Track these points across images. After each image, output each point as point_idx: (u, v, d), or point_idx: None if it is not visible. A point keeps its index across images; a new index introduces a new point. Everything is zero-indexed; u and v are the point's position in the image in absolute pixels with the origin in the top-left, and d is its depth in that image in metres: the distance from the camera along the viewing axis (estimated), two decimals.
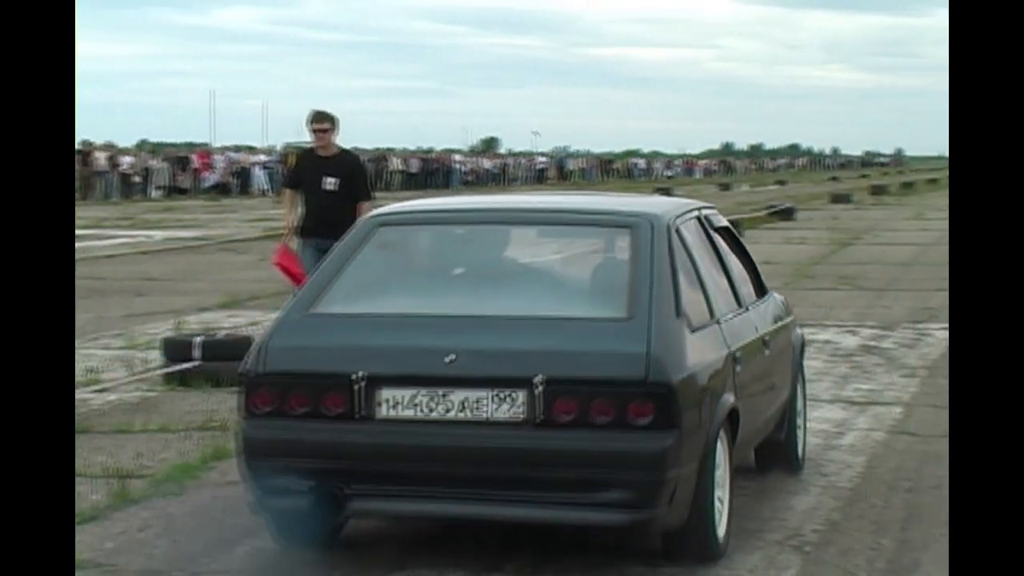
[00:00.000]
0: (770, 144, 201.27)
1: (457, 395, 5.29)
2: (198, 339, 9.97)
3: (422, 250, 6.23)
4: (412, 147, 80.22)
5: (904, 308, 14.59)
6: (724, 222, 6.88)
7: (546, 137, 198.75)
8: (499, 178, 72.34)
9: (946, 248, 21.83)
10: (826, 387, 9.86)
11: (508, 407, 5.26)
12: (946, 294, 15.85)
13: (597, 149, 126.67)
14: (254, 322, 12.60)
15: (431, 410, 5.31)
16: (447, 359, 5.31)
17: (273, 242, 10.73)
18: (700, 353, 5.54)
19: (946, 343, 12.11)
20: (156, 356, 10.30)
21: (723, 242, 6.65)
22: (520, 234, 6.26)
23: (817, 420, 8.70)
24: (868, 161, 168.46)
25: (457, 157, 71.69)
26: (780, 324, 7.07)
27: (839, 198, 44.84)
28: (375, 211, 6.44)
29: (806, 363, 7.97)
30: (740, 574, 5.61)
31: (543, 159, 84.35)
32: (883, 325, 13.24)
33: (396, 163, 63.96)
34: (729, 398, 5.70)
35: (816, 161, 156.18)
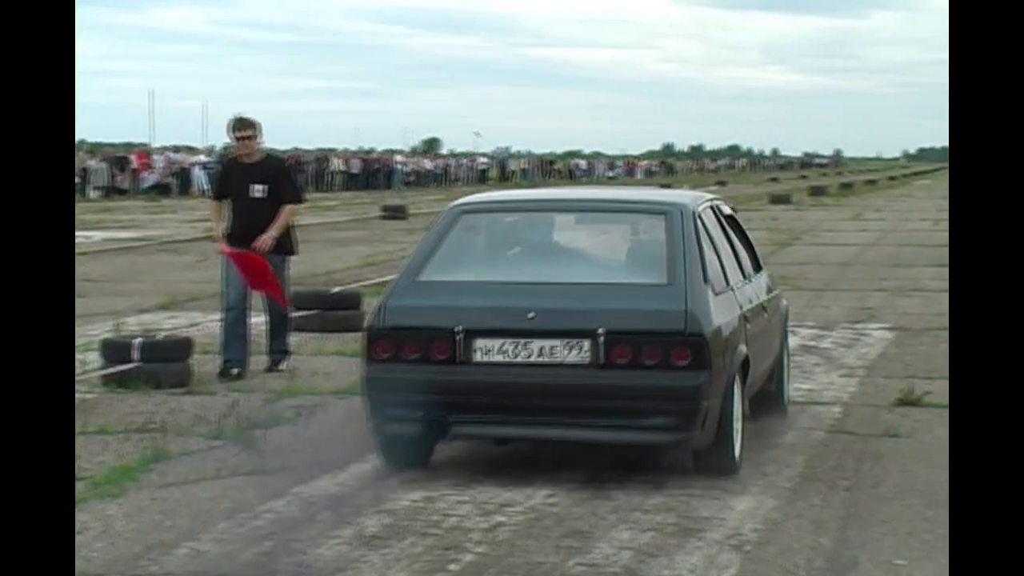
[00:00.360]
0: (710, 145, 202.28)
1: (536, 344, 6.80)
2: (137, 340, 9.90)
3: (499, 232, 7.74)
4: (353, 148, 79.95)
5: (843, 308, 14.69)
6: (729, 210, 8.29)
7: (488, 138, 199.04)
8: (441, 179, 72.27)
9: (883, 249, 22.02)
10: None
11: (577, 353, 6.76)
12: (883, 294, 16.00)
13: (538, 150, 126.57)
14: (194, 323, 12.52)
15: (516, 355, 6.81)
16: (529, 316, 6.82)
17: (214, 243, 10.65)
18: (722, 312, 7.02)
19: (884, 343, 12.21)
20: (95, 358, 10.21)
21: (729, 226, 8.10)
22: (576, 219, 7.88)
23: (757, 420, 8.74)
24: (807, 162, 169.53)
25: (399, 158, 71.57)
26: (773, 294, 8.65)
27: (779, 199, 45.13)
28: (458, 201, 7.85)
29: None
30: (681, 574, 5.63)
31: (484, 160, 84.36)
32: (822, 325, 13.33)
33: (337, 164, 63.76)
34: (743, 348, 7.20)
35: (756, 162, 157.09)
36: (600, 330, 6.74)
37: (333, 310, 12.79)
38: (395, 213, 34.89)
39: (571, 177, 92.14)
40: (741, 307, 7.43)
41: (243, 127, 10.24)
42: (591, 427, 6.85)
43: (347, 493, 6.93)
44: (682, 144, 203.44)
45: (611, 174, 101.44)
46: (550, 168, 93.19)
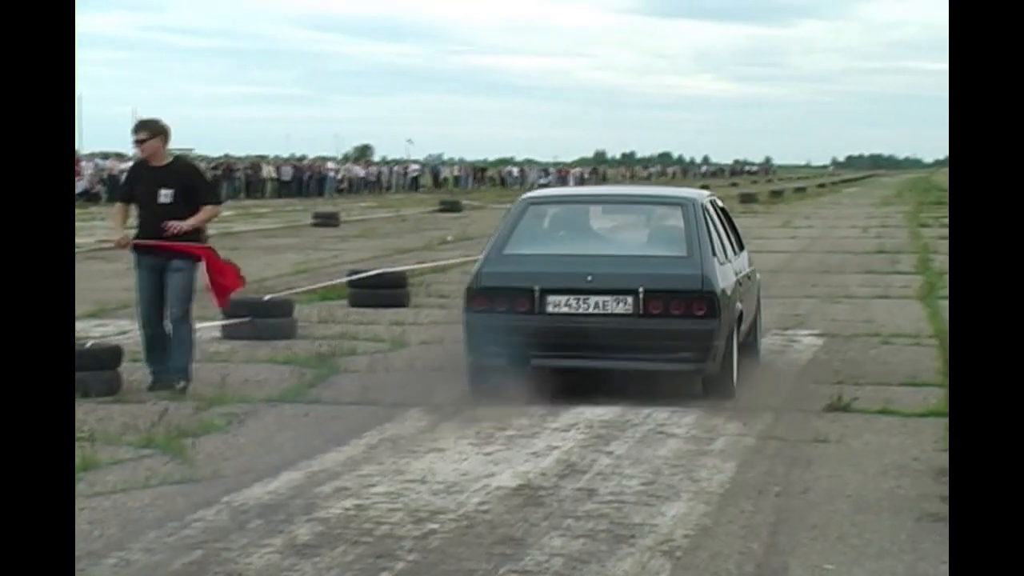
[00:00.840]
0: (642, 152, 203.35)
1: (592, 299, 9.22)
2: None
3: (558, 217, 10.13)
4: (285, 155, 79.58)
5: (773, 315, 14.79)
6: (721, 203, 10.74)
7: (420, 145, 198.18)
8: (373, 186, 72.07)
9: (812, 256, 22.13)
10: (697, 393, 9.95)
11: (623, 306, 9.18)
12: (813, 301, 16.12)
13: (471, 157, 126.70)
14: (123, 331, 12.41)
15: (578, 308, 9.22)
16: (587, 279, 9.23)
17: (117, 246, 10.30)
18: (724, 277, 9.40)
19: (813, 349, 12.30)
20: None
21: (721, 215, 10.53)
22: (615, 209, 10.74)
23: (687, 427, 8.78)
24: (738, 170, 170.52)
25: (330, 165, 71.30)
26: (753, 267, 11.24)
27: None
28: (526, 195, 10.33)
29: None
30: None
31: (416, 167, 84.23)
32: None
33: (269, 171, 63.44)
34: (738, 304, 9.69)
35: (687, 169, 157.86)
36: (640, 289, 9.20)
37: (264, 317, 12.73)
38: (327, 220, 34.77)
39: (503, 184, 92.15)
40: (736, 274, 9.90)
41: (137, 129, 9.82)
42: (636, 360, 9.30)
43: (278, 501, 6.89)
44: (614, 151, 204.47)
45: (543, 181, 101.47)
46: (482, 175, 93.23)
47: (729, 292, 9.44)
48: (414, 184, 78.37)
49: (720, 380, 9.41)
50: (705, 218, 9.70)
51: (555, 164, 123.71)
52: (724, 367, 9.37)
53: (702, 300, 9.18)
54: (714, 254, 9.48)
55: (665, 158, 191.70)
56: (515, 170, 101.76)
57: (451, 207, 45.74)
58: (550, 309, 9.33)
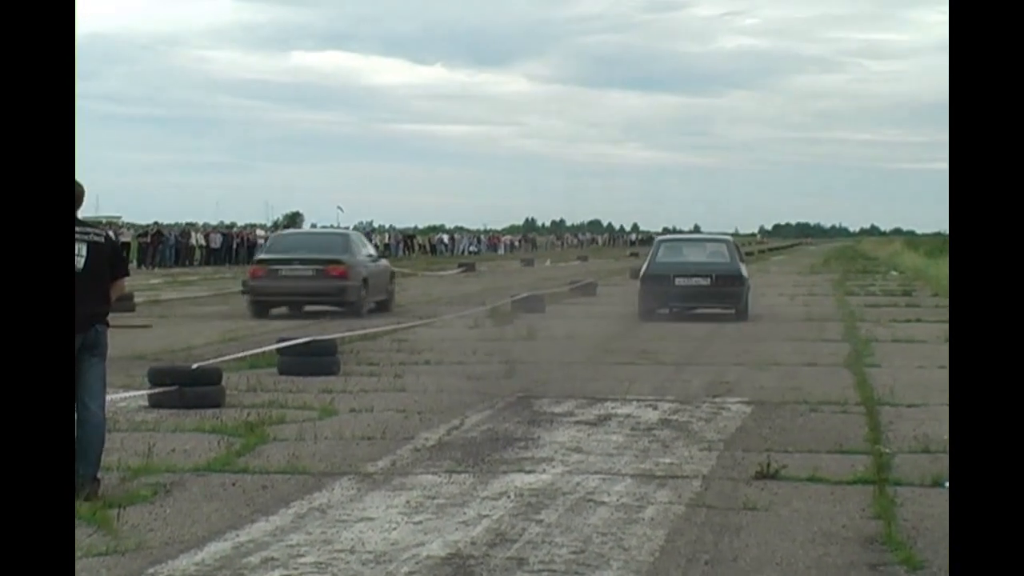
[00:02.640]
0: (572, 220, 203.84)
1: (694, 279, 24.47)
2: None
3: (673, 247, 26.39)
4: (214, 222, 79.19)
5: (702, 382, 14.86)
6: (734, 243, 26.57)
7: (350, 212, 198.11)
8: None
9: (740, 325, 22.08)
10: (627, 461, 9.97)
11: (707, 281, 24.45)
12: (741, 368, 16.21)
13: (401, 224, 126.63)
14: None
15: (687, 282, 24.36)
16: (691, 271, 24.78)
17: None
18: (745, 271, 25.21)
19: (742, 416, 12.36)
20: None
21: (738, 247, 26.32)
22: (696, 243, 28.04)
23: (618, 495, 8.79)
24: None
25: (260, 232, 71.08)
26: (748, 268, 25.94)
27: (638, 273, 45.55)
28: (660, 237, 28.75)
29: (608, 436, 8.08)
30: None
31: None
32: (682, 399, 13.46)
33: (198, 238, 63.14)
34: (749, 282, 25.01)
35: (616, 237, 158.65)
36: (713, 274, 24.28)
37: (192, 386, 12.62)
38: None
39: (433, 252, 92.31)
40: (746, 270, 23.91)
41: None
42: (708, 306, 24.25)
43: (205, 573, 6.81)
44: (544, 219, 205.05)
45: (473, 248, 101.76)
46: (412, 242, 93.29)
47: (747, 277, 24.62)
48: None
49: (743, 315, 24.13)
50: (738, 249, 24.60)
51: (486, 231, 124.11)
52: (744, 310, 24.50)
53: (738, 280, 24.38)
54: (742, 261, 24.71)
55: (595, 226, 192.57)
56: (445, 237, 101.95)
57: None
58: (677, 283, 24.14)
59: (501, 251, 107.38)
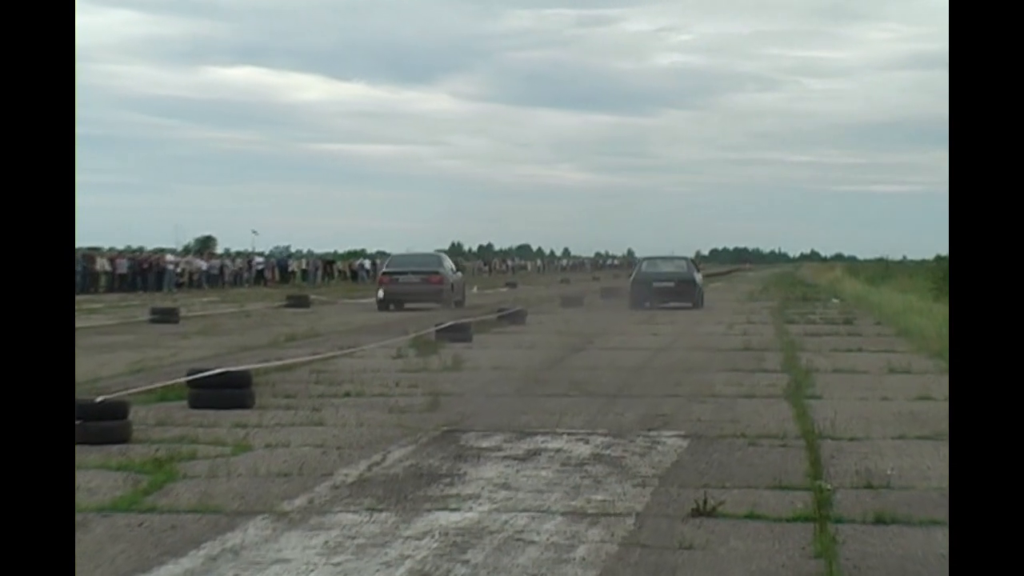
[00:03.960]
0: (500, 244, 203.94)
1: (664, 283, 42.53)
2: None
3: (652, 265, 44.83)
4: (121, 246, 78.59)
5: (636, 414, 14.91)
6: (691, 260, 46.66)
7: (265, 236, 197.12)
8: (216, 279, 71.44)
9: (676, 353, 22.27)
10: (558, 498, 9.98)
11: (673, 283, 42.51)
12: (677, 400, 16.29)
13: (320, 248, 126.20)
14: None
15: (661, 284, 42.77)
16: (663, 279, 43.13)
17: None
18: (699, 279, 44.56)
19: (678, 451, 12.42)
20: None
21: (695, 261, 47.20)
22: (667, 259, 46.00)
23: (548, 533, 8.79)
24: (599, 263, 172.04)
25: (170, 257, 70.59)
26: (703, 276, 47.91)
27: (570, 301, 45.79)
28: (642, 257, 49.47)
29: (538, 472, 8.09)
30: None
31: (262, 259, 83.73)
32: (615, 432, 13.50)
33: (103, 264, 62.60)
34: (701, 286, 44.15)
35: (548, 262, 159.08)
36: (678, 279, 42.43)
37: (97, 420, 12.50)
38: (165, 317, 34.37)
39: (354, 278, 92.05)
40: (700, 279, 43.92)
41: None
42: (676, 302, 41.43)
43: None
44: (471, 243, 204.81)
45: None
46: (331, 268, 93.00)
47: (700, 282, 43.61)
48: (259, 278, 77.86)
49: (698, 305, 41.78)
50: (696, 263, 45.64)
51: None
52: (700, 303, 41.94)
53: (693, 284, 42.47)
54: (697, 271, 44.49)
55: (524, 250, 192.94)
56: (367, 263, 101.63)
57: (298, 302, 45.54)
58: (655, 285, 41.73)
59: None
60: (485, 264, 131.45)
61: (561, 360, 22.65)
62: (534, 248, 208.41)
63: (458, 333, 26.90)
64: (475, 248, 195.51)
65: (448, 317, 31.38)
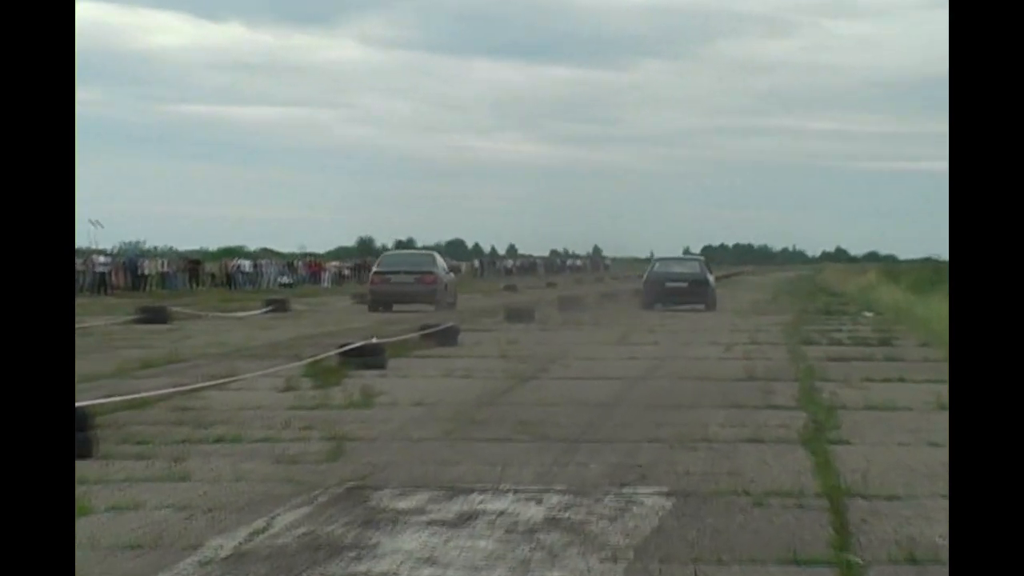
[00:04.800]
0: (426, 239, 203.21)
1: (676, 283, 59.92)
2: None
3: (665, 265, 63.68)
4: None
5: (604, 465, 14.93)
6: (704, 260, 65.31)
7: (111, 229, 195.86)
8: None
9: (658, 383, 22.37)
10: None
11: (686, 284, 59.57)
12: (658, 446, 16.33)
13: (184, 246, 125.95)
14: None
15: (673, 284, 59.96)
16: (675, 279, 61.22)
17: None
18: (712, 278, 62.93)
19: (659, 514, 12.45)
20: None
21: (708, 263, 65.93)
22: (679, 261, 67.44)
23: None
24: (557, 264, 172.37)
25: None
26: (715, 277, 66.83)
27: (518, 315, 45.86)
28: (656, 256, 69.94)
29: (474, 542, 8.42)
30: None
31: (106, 259, 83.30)
32: (577, 489, 13.51)
33: None
34: (714, 287, 62.28)
35: (488, 263, 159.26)
36: (691, 279, 59.20)
37: None
38: None
39: (230, 284, 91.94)
40: (713, 280, 62.21)
41: None
42: (686, 303, 57.41)
43: None
44: (386, 238, 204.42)
45: (286, 279, 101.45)
46: (198, 270, 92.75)
47: (713, 282, 60.57)
48: (102, 283, 77.57)
49: (710, 307, 56.79)
50: (708, 264, 63.07)
51: (304, 255, 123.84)
52: (713, 304, 57.23)
53: (706, 284, 58.58)
54: (710, 272, 61.33)
55: (456, 247, 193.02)
56: (246, 264, 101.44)
57: (155, 316, 45.34)
58: (667, 285, 58.00)
59: (325, 283, 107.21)
60: None
61: (506, 393, 22.66)
62: (469, 244, 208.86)
63: (369, 357, 26.91)
64: (392, 245, 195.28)
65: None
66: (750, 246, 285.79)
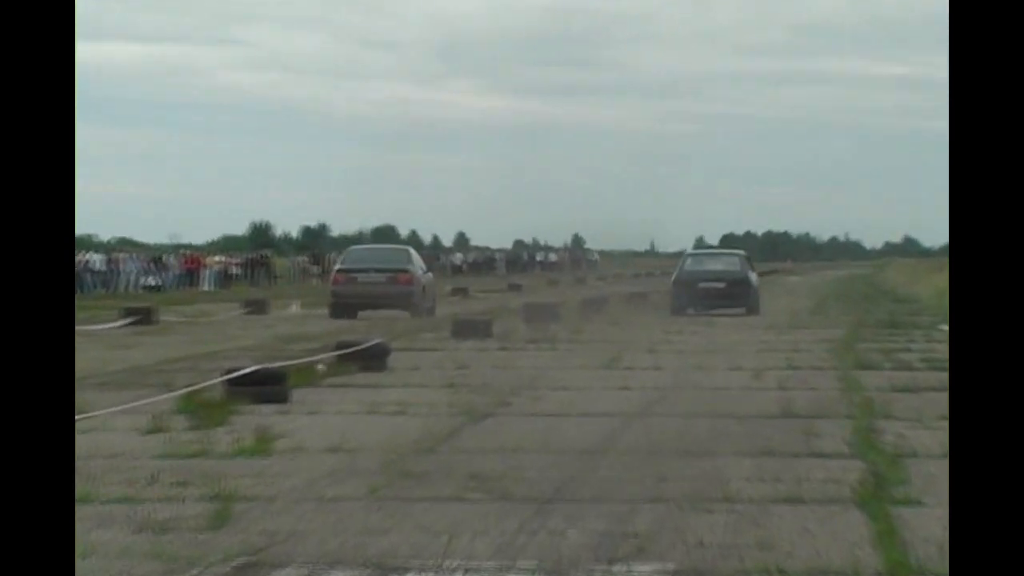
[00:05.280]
0: (344, 227, 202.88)
1: (712, 284, 71.45)
2: None
3: (698, 259, 79.64)
4: None
5: (587, 534, 14.99)
6: (746, 255, 77.62)
7: None
8: None
9: (660, 422, 22.56)
10: None
11: (723, 285, 71.33)
12: (663, 507, 16.40)
13: None
14: None
15: (709, 285, 71.41)
16: (711, 277, 73.92)
17: None
18: (755, 277, 77.25)
19: None
20: None
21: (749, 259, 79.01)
22: (715, 255, 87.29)
23: None
24: (523, 260, 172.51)
25: None
26: (757, 273, 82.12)
27: (468, 328, 45.91)
28: (688, 251, 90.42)
29: None
30: None
31: None
32: (550, 568, 13.55)
33: None
34: (757, 287, 75.53)
35: (430, 259, 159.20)
36: (730, 277, 71.23)
37: None
38: None
39: (81, 290, 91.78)
40: (756, 279, 76.26)
41: None
42: (723, 306, 69.68)
43: None
44: (290, 226, 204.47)
45: (152, 280, 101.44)
46: None
47: (755, 283, 72.14)
48: None
49: (752, 310, 68.09)
50: (750, 260, 73.87)
51: (177, 247, 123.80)
52: (756, 308, 69.04)
53: (748, 284, 69.71)
54: (752, 270, 72.49)
55: (385, 236, 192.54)
56: (98, 260, 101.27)
57: None
58: (699, 286, 69.30)
59: (206, 284, 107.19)
60: (315, 262, 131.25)
61: (453, 435, 22.68)
62: (403, 233, 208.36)
63: (265, 387, 26.87)
64: (297, 234, 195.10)
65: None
66: (786, 235, 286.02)
